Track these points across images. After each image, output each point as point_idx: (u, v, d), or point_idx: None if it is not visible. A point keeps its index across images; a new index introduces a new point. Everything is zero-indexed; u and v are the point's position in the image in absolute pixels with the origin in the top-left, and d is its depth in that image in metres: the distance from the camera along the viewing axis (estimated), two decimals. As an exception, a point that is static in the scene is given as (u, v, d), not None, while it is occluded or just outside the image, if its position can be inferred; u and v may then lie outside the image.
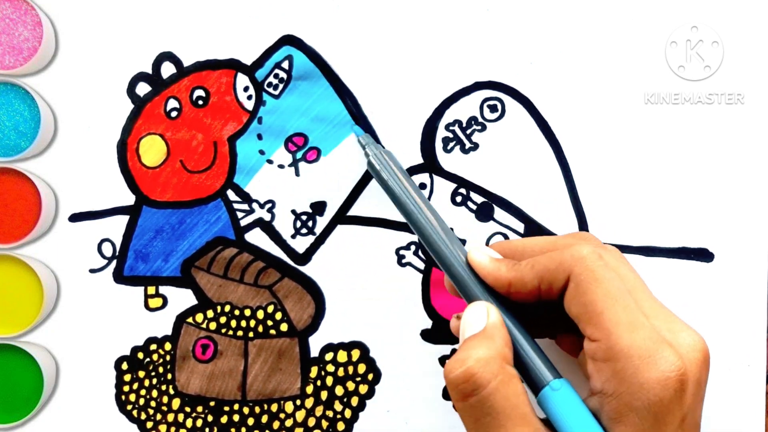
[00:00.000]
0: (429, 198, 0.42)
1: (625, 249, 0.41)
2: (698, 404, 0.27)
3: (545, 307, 0.32)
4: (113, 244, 0.42)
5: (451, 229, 0.42)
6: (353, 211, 0.42)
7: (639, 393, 0.26)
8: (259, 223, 0.42)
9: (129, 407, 0.42)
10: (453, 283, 0.33)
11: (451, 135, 0.42)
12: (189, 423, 0.42)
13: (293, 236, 0.42)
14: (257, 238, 0.42)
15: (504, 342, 0.29)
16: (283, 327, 0.42)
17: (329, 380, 0.42)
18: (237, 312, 0.42)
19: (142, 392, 0.42)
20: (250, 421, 0.42)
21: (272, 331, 0.42)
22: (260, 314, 0.42)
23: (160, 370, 0.42)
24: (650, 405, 0.26)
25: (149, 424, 0.42)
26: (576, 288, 0.28)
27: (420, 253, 0.42)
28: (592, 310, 0.28)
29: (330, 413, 0.42)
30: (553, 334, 0.35)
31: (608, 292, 0.28)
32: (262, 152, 0.42)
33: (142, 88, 0.42)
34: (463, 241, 0.42)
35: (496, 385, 0.27)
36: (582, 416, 0.27)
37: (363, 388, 0.42)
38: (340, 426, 0.42)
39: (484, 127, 0.42)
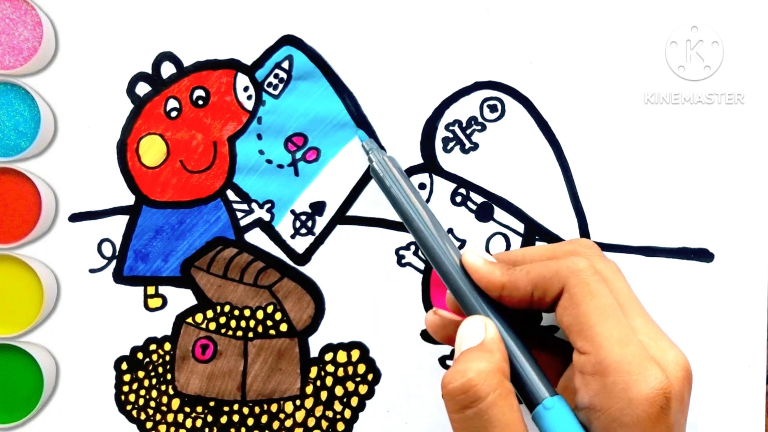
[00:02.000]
0: (429, 198, 0.42)
1: (625, 249, 0.41)
2: (682, 420, 0.28)
3: (530, 321, 0.32)
4: (113, 244, 0.42)
5: (450, 230, 0.42)
6: (353, 211, 0.42)
7: (628, 409, 0.26)
8: (259, 223, 0.42)
9: (128, 407, 0.42)
10: (450, 291, 0.33)
11: (451, 135, 0.42)
12: (189, 423, 0.42)
13: (293, 236, 0.42)
14: (257, 238, 0.42)
15: (502, 356, 0.29)
16: (283, 327, 0.42)
17: (329, 380, 0.42)
18: (237, 312, 0.42)
19: (142, 392, 0.42)
20: (250, 422, 0.42)
21: (272, 332, 0.42)
22: (260, 314, 0.42)
23: (160, 370, 0.42)
24: (638, 421, 0.26)
25: (149, 424, 0.42)
26: (570, 299, 0.29)
27: (420, 253, 0.42)
28: (584, 322, 0.28)
29: (330, 413, 0.42)
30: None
31: (601, 306, 0.28)
32: (261, 152, 0.42)
33: (142, 88, 0.42)
34: (464, 243, 0.42)
35: (494, 399, 0.27)
36: None
37: (363, 389, 0.42)
38: (340, 426, 0.42)
39: (484, 127, 0.42)
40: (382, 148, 0.41)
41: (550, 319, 0.37)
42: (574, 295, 0.28)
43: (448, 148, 0.42)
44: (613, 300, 0.28)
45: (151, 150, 0.42)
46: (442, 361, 0.42)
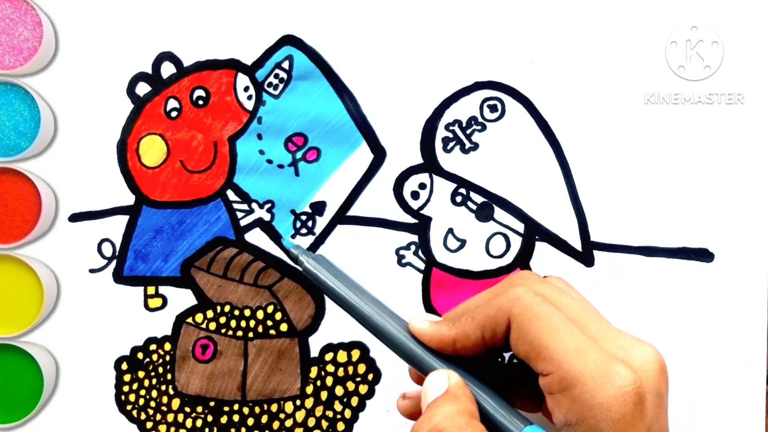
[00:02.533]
0: (429, 198, 0.42)
1: (625, 249, 0.41)
2: (661, 414, 0.28)
3: (495, 366, 0.32)
4: (113, 244, 0.42)
5: (451, 230, 0.42)
6: (353, 211, 0.42)
7: (601, 414, 0.26)
8: (259, 223, 0.42)
9: (129, 407, 0.42)
10: (409, 364, 0.33)
11: (451, 135, 0.42)
12: (189, 423, 0.42)
13: (293, 236, 0.42)
14: (257, 238, 0.42)
15: (469, 399, 0.29)
16: (283, 327, 0.42)
17: (329, 380, 0.42)
18: (237, 312, 0.42)
19: (142, 392, 0.42)
20: (250, 421, 0.42)
21: (272, 332, 0.42)
22: (260, 314, 0.42)
23: (160, 370, 0.42)
24: (614, 423, 0.26)
25: (149, 424, 0.42)
26: (518, 328, 0.29)
27: (420, 253, 0.42)
28: (537, 344, 0.28)
29: (330, 413, 0.42)
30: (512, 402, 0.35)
31: (549, 324, 0.28)
32: (262, 152, 0.42)
33: (142, 88, 0.42)
34: (464, 243, 0.42)
35: None
36: None
37: (363, 388, 0.42)
38: (340, 426, 0.42)
39: (484, 127, 0.42)
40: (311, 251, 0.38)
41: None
42: (521, 323, 0.28)
43: (448, 148, 0.42)
44: (561, 315, 0.28)
45: (151, 150, 0.42)
46: (442, 361, 0.42)
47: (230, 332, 0.42)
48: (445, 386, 0.30)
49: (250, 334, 0.42)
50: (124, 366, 0.42)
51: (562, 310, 0.29)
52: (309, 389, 0.42)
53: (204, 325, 0.42)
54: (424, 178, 0.42)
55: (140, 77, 0.42)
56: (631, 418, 0.26)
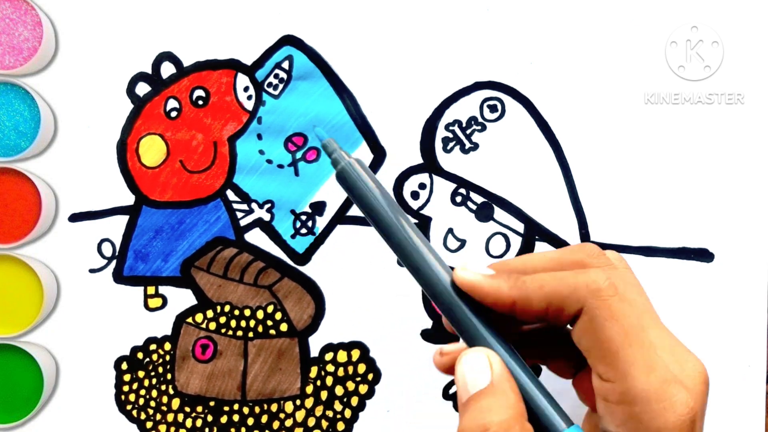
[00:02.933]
0: (429, 198, 0.42)
1: (625, 249, 0.41)
2: (702, 428, 0.28)
3: (539, 332, 0.31)
4: (113, 244, 0.42)
5: (451, 230, 0.42)
6: (353, 211, 0.42)
7: None
8: (259, 223, 0.42)
9: (129, 407, 0.42)
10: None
11: (451, 135, 0.42)
12: (189, 423, 0.42)
13: (293, 236, 0.42)
14: (257, 238, 0.42)
15: (516, 396, 0.27)
16: (283, 327, 0.42)
17: (329, 380, 0.42)
18: (237, 312, 0.42)
19: (142, 392, 0.42)
20: (250, 421, 0.42)
21: (272, 331, 0.42)
22: (260, 314, 0.42)
23: (160, 370, 0.42)
24: None
25: (149, 424, 0.42)
26: (590, 322, 0.27)
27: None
28: (606, 348, 0.26)
29: (330, 413, 0.42)
30: (543, 356, 0.33)
31: (624, 329, 0.26)
32: (261, 152, 0.42)
33: (142, 88, 0.42)
34: (464, 243, 0.42)
35: None
36: None
37: (363, 388, 0.42)
38: (340, 426, 0.42)
39: (484, 127, 0.42)
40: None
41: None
42: (595, 318, 0.26)
43: (448, 148, 0.42)
44: (636, 319, 0.27)
45: (151, 150, 0.42)
46: (442, 361, 0.42)
47: (230, 332, 0.42)
48: (488, 377, 0.27)
49: (250, 334, 0.42)
50: (124, 366, 0.43)
51: (636, 313, 0.27)
52: (309, 389, 0.42)
53: (204, 325, 0.42)
54: (424, 178, 0.42)
55: (140, 77, 0.42)
56: None
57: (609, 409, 0.27)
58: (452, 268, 0.28)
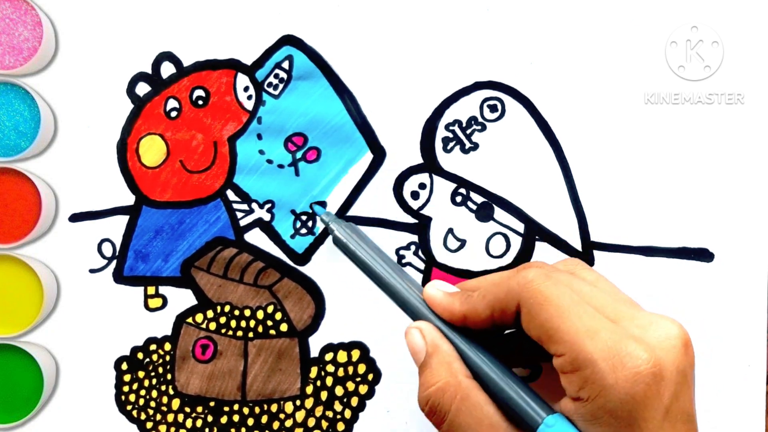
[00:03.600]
0: (429, 198, 0.42)
1: (625, 249, 0.41)
2: (684, 392, 0.27)
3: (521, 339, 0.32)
4: (113, 244, 0.42)
5: (451, 230, 0.42)
6: (353, 211, 0.42)
7: (610, 394, 0.26)
8: (259, 223, 0.42)
9: (129, 407, 0.42)
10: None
11: (451, 135, 0.42)
12: (189, 423, 0.42)
13: (293, 236, 0.42)
14: (257, 238, 0.42)
15: (450, 357, 0.31)
16: (283, 327, 0.42)
17: (329, 380, 0.42)
18: (237, 312, 0.42)
19: (142, 392, 0.42)
20: (250, 422, 0.42)
21: (272, 332, 0.42)
22: (260, 314, 0.42)
23: (160, 370, 0.42)
24: (622, 403, 0.26)
25: (149, 425, 0.42)
26: (528, 312, 0.29)
27: (420, 253, 0.42)
28: (549, 327, 0.28)
29: (330, 413, 0.42)
30: (536, 361, 0.35)
31: (560, 306, 0.28)
32: (261, 152, 0.42)
33: (142, 88, 0.42)
34: (464, 243, 0.42)
35: (457, 406, 0.29)
36: None
37: (363, 388, 0.42)
38: (340, 426, 0.42)
39: (484, 127, 0.42)
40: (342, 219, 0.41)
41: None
42: (531, 306, 0.29)
43: (448, 148, 0.42)
44: (572, 297, 0.28)
45: (151, 150, 0.42)
46: (442, 361, 0.42)
47: (230, 332, 0.42)
48: (422, 345, 0.32)
49: (250, 334, 0.42)
50: (124, 366, 0.42)
51: (574, 293, 0.29)
52: (309, 389, 0.42)
53: (204, 325, 0.42)
54: (424, 178, 0.42)
55: (140, 77, 0.42)
56: (642, 398, 0.26)
57: (568, 379, 0.28)
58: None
